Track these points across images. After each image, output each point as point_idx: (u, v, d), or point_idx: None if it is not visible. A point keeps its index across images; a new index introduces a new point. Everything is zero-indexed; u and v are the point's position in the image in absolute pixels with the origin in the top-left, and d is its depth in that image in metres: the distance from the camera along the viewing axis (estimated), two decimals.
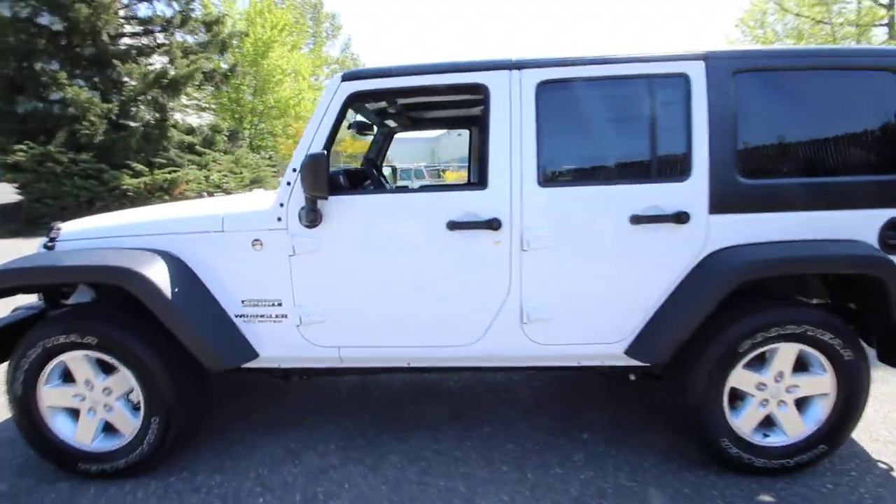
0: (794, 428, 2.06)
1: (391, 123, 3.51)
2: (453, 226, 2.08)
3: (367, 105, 2.98)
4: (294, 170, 2.11)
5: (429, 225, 2.11)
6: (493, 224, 2.06)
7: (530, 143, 2.08)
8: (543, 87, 2.08)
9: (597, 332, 2.14)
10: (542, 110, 2.08)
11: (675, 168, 2.10)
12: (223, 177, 13.67)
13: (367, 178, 3.22)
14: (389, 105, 3.09)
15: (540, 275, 2.11)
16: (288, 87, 20.21)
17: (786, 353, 2.01)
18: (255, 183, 14.40)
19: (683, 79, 2.06)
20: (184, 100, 14.64)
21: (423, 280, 2.14)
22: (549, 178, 2.12)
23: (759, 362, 2.06)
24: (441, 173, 19.72)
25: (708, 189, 2.05)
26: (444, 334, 2.17)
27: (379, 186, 3.28)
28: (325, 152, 2.00)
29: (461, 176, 14.72)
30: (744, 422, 2.07)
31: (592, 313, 2.13)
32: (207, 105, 17.37)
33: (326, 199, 2.04)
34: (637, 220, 2.06)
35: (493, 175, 2.09)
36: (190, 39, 14.67)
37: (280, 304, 2.16)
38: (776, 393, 2.05)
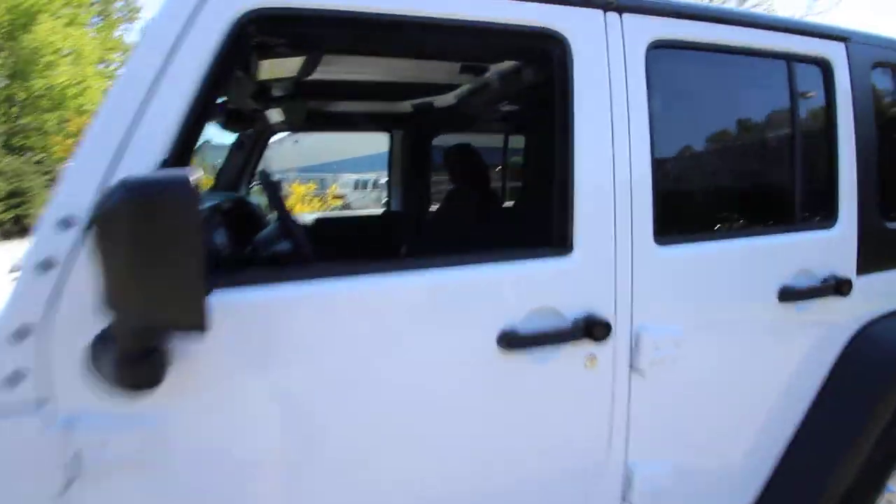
0: None
1: (291, 116, 2.12)
2: (511, 341, 0.97)
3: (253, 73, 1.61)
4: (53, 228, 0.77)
5: (465, 341, 0.99)
6: (589, 328, 1.02)
7: (643, 159, 1.09)
8: (659, 53, 1.12)
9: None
10: (656, 95, 1.11)
11: (818, 207, 1.35)
12: None
13: (253, 220, 1.81)
14: (304, 70, 1.64)
15: (659, 412, 1.14)
16: (65, 71, 15.64)
17: None
18: (16, 196, 10.47)
19: (823, 67, 1.31)
20: None
21: (456, 446, 1.00)
22: (669, 228, 1.15)
23: None
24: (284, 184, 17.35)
25: (857, 238, 1.34)
26: None
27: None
28: (185, 175, 0.66)
29: (310, 187, 12.91)
30: None
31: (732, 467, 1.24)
32: None
33: (202, 331, 0.69)
34: (787, 295, 1.23)
35: (582, 223, 1.04)
36: None
37: None
38: None
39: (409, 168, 2.71)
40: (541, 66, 1.30)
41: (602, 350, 1.05)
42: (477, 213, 2.09)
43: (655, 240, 1.11)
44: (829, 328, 1.34)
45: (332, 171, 18.69)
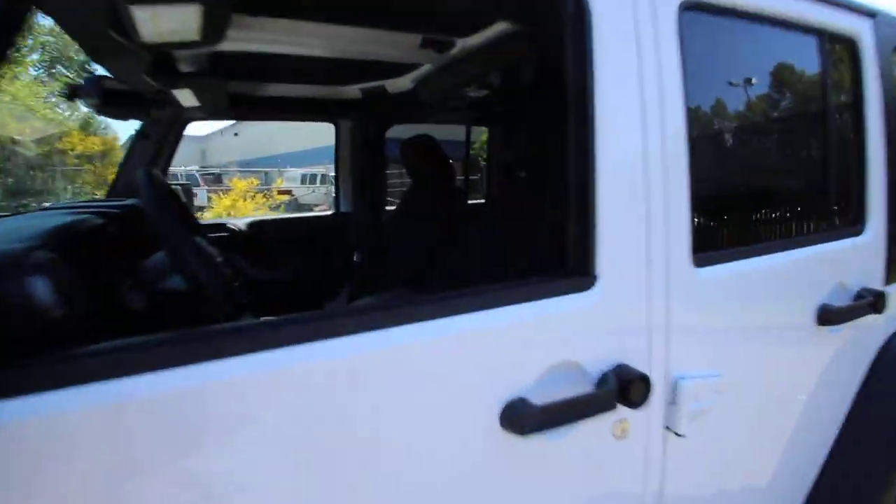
0: None
1: (206, 99, 1.66)
2: (520, 421, 0.67)
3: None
4: None
5: (455, 425, 0.67)
6: (623, 389, 0.73)
7: (678, 154, 0.81)
8: (691, 17, 0.84)
9: None
10: (690, 70, 0.83)
11: (847, 209, 1.14)
12: None
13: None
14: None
15: (695, 470, 0.90)
16: None
17: None
18: None
19: (850, 46, 1.09)
20: None
21: None
22: (707, 244, 0.88)
23: None
24: (223, 179, 16.18)
25: (885, 244, 1.15)
26: None
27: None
28: None
29: (252, 182, 12.07)
30: None
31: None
32: None
33: None
34: (827, 317, 1.00)
35: (608, 242, 0.74)
36: None
37: None
38: None
39: (359, 164, 2.34)
40: (543, 32, 0.99)
41: (635, 412, 0.75)
42: (443, 219, 1.77)
43: (693, 259, 0.83)
44: (862, 345, 1.14)
45: (276, 164, 17.71)
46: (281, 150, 19.06)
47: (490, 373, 0.68)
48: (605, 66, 0.74)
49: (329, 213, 2.46)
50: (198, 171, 16.89)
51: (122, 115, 1.41)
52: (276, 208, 11.78)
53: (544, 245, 0.85)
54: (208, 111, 1.88)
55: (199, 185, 13.93)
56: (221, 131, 24.87)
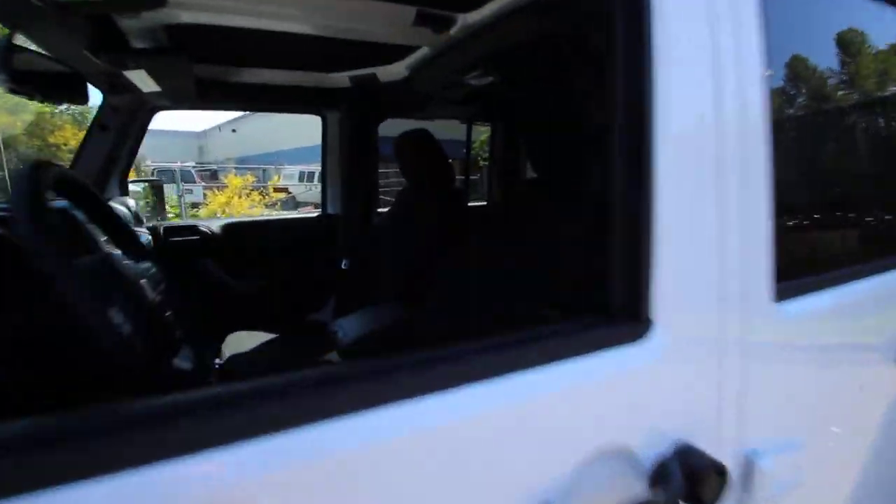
0: None
1: (167, 83, 1.41)
2: None
3: None
4: None
5: None
6: (692, 486, 0.50)
7: (758, 154, 0.58)
8: None
9: None
10: (774, 40, 0.60)
11: None
12: None
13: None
14: None
15: None
16: None
17: None
18: None
19: None
20: None
21: None
22: (791, 271, 0.65)
23: None
24: (219, 176, 15.90)
25: None
26: None
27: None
28: None
29: (248, 180, 11.79)
30: None
31: None
32: None
33: None
34: None
35: (669, 277, 0.51)
36: None
37: None
38: None
39: (348, 161, 2.11)
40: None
41: None
42: (441, 224, 1.55)
43: (775, 291, 0.61)
44: None
45: (274, 161, 17.47)
46: (280, 147, 18.83)
47: (499, 472, 0.46)
48: (668, 38, 0.52)
49: (314, 214, 2.24)
50: (194, 167, 16.65)
51: (55, 97, 1.19)
52: (272, 206, 11.55)
53: (569, 272, 0.63)
54: (174, 98, 1.65)
55: (195, 182, 13.73)
56: (220, 127, 24.64)
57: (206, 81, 1.62)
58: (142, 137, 1.75)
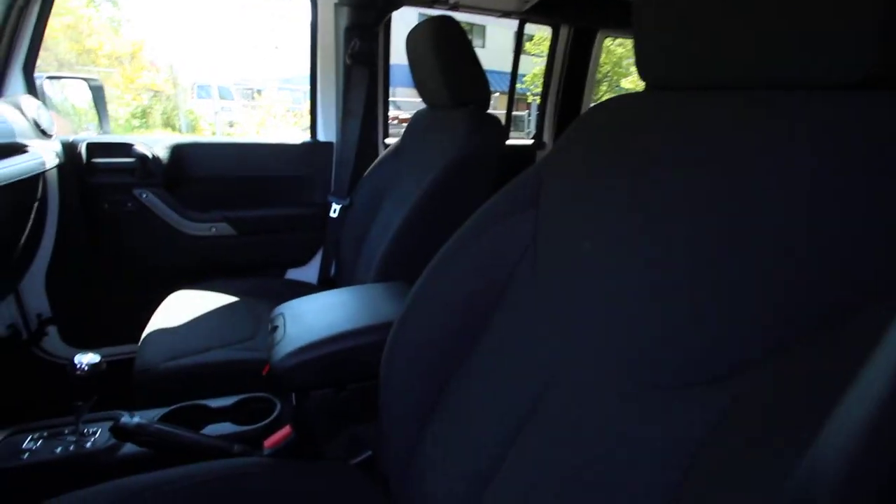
0: None
1: None
2: None
3: None
4: None
5: None
6: None
7: None
8: None
9: None
10: None
11: None
12: None
13: None
14: None
15: None
16: None
17: None
18: None
19: None
20: None
21: None
22: None
23: None
24: (257, 94, 15.21)
25: None
26: None
27: None
28: None
29: (283, 99, 11.24)
30: None
31: None
32: None
33: None
34: None
35: None
36: None
37: None
38: None
39: (349, 70, 1.55)
40: None
41: None
42: (471, 163, 1.02)
43: None
44: None
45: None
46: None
47: None
48: None
49: (301, 141, 1.71)
50: (235, 85, 16.17)
51: None
52: (306, 130, 11.12)
53: None
54: None
55: (232, 99, 13.35)
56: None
57: None
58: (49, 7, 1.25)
